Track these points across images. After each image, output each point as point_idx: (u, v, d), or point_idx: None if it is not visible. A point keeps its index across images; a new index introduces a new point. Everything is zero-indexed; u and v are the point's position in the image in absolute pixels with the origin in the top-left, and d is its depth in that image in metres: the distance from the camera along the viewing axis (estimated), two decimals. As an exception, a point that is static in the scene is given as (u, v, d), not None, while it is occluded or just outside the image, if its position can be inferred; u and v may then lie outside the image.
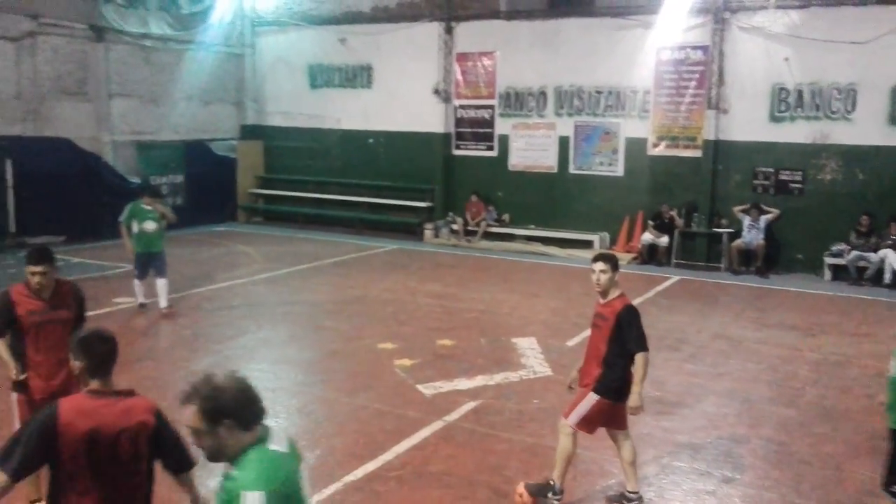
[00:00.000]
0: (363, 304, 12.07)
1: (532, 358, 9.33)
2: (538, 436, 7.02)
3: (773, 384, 8.71)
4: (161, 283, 10.88)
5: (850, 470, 6.50)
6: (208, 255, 15.60)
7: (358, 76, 19.95)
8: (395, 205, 19.41)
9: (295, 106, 20.76)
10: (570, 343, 9.80)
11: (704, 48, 15.91)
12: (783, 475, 6.40)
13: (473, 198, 18.18)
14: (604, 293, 5.51)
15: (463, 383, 8.34)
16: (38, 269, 5.03)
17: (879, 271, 14.06)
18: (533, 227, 17.84)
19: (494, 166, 18.46)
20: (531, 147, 18.04)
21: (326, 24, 19.93)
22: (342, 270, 14.72)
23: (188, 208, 18.90)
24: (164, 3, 18.83)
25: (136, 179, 17.99)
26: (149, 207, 10.87)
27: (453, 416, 7.39)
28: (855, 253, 14.28)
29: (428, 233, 18.54)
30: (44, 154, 15.83)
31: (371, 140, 19.94)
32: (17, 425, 5.02)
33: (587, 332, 5.93)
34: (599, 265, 5.44)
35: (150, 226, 10.82)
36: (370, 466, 6.27)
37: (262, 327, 10.45)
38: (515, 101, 18.06)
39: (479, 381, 8.44)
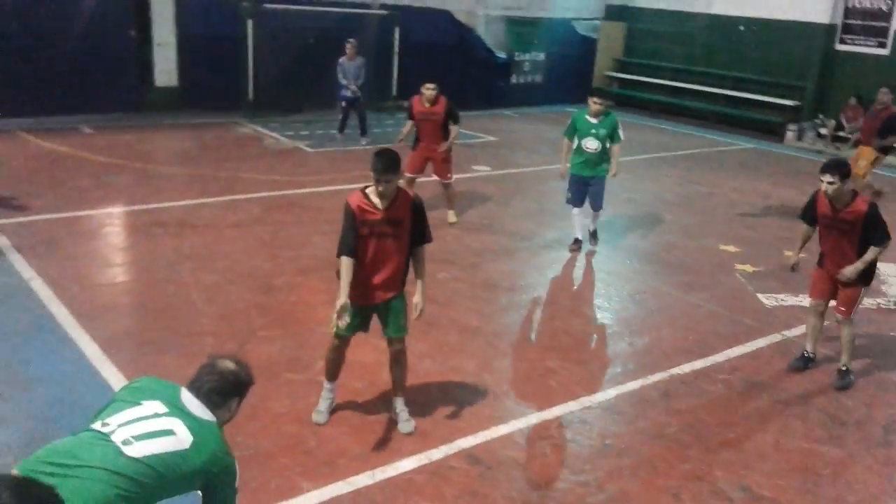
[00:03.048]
0: (709, 202, 11.70)
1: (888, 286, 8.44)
2: (892, 370, 6.45)
3: None
4: (593, 217, 9.08)
5: None
6: (555, 136, 16.02)
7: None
8: (757, 100, 18.07)
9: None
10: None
11: None
12: None
13: (852, 101, 16.21)
14: (837, 201, 5.75)
15: (809, 301, 7.84)
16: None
17: None
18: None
19: (885, 67, 16.19)
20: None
21: None
22: (690, 164, 14.29)
23: (545, 86, 19.50)
24: None
25: (502, 54, 18.85)
26: (594, 120, 8.47)
27: (793, 332, 7.04)
28: None
29: (790, 134, 17.10)
30: (425, 24, 17.17)
31: (742, 27, 18.52)
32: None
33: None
34: (827, 177, 5.65)
35: (592, 144, 8.50)
36: (698, 364, 6.30)
37: (603, 212, 10.63)
38: (927, -8, 15.47)
39: (827, 301, 7.87)
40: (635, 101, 20.33)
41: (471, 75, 18.13)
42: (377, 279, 4.74)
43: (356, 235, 4.59)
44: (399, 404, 5.09)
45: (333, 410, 5.13)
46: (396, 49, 16.28)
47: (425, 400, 5.39)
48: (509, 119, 17.64)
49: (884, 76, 16.15)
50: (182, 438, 2.79)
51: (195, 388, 2.99)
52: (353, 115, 13.47)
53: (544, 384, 5.86)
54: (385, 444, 4.86)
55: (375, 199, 4.61)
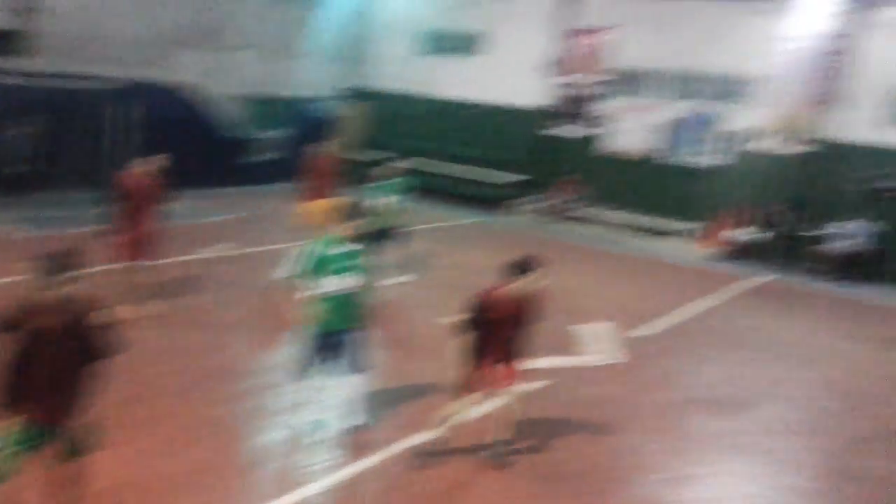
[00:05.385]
0: (431, 273, 12.06)
1: (595, 344, 9.13)
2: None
3: (848, 396, 8.30)
4: (354, 382, 6.22)
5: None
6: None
7: (466, 45, 19.85)
8: (482, 178, 19.23)
9: (400, 70, 20.85)
10: (638, 333, 9.49)
11: (833, 39, 14.98)
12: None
13: (565, 177, 17.89)
14: None
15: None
16: None
17: None
18: (624, 212, 17.41)
19: (592, 147, 18.10)
20: (634, 129, 17.57)
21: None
22: (420, 238, 14.71)
23: (285, 164, 19.39)
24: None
25: (241, 132, 18.55)
26: (353, 248, 6.05)
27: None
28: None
29: (514, 208, 18.39)
30: (158, 100, 16.32)
31: (469, 110, 19.85)
32: None
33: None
34: None
35: (349, 281, 6.00)
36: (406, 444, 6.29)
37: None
38: (624, 81, 17.58)
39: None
40: (371, 179, 20.76)
41: (208, 153, 17.52)
42: None
43: None
44: None
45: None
46: (124, 126, 15.30)
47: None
48: (247, 196, 17.26)
49: (591, 155, 18.04)
50: None
51: None
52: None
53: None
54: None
55: None
